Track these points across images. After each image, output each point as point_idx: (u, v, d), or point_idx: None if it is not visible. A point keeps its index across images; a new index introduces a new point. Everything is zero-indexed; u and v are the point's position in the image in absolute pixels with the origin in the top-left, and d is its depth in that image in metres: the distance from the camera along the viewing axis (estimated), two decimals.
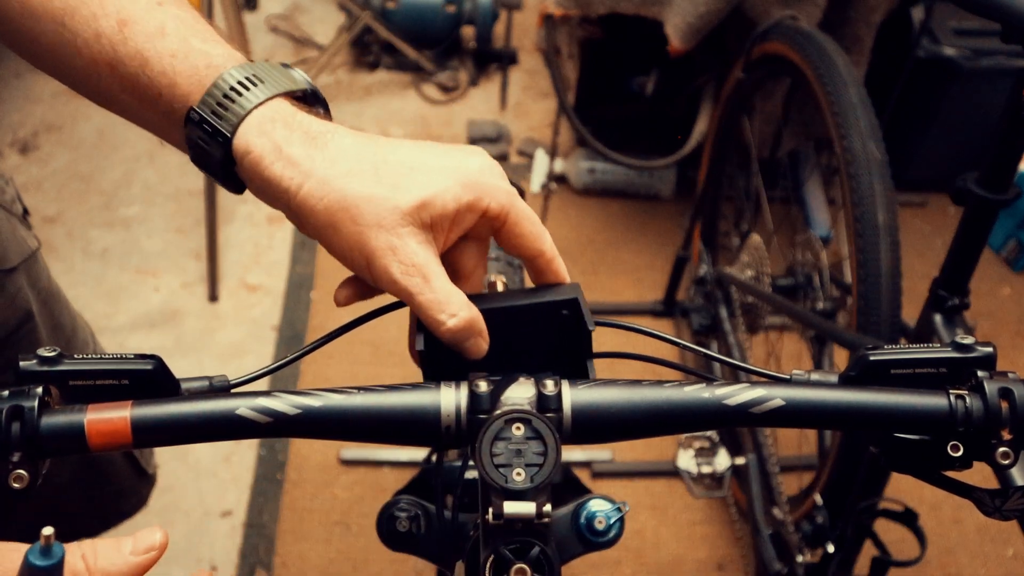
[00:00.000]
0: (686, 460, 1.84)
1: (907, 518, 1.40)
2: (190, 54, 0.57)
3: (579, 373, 0.59)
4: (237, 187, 0.60)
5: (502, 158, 2.68)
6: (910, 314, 1.40)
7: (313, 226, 0.57)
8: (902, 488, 1.65)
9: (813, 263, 1.73)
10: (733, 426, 0.65)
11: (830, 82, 1.49)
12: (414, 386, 0.55)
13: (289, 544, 1.82)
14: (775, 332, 2.02)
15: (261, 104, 0.57)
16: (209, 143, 0.56)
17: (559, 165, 2.53)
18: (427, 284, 0.56)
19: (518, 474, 0.51)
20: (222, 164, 0.57)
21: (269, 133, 0.56)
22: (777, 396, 0.54)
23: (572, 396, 0.54)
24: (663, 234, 2.44)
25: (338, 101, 2.83)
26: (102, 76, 0.58)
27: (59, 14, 0.57)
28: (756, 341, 2.01)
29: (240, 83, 0.57)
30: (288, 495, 1.90)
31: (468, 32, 2.94)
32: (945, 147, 2.42)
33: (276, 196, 0.57)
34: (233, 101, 0.56)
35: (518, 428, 0.52)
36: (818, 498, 1.51)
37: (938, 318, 1.29)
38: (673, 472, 1.88)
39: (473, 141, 2.70)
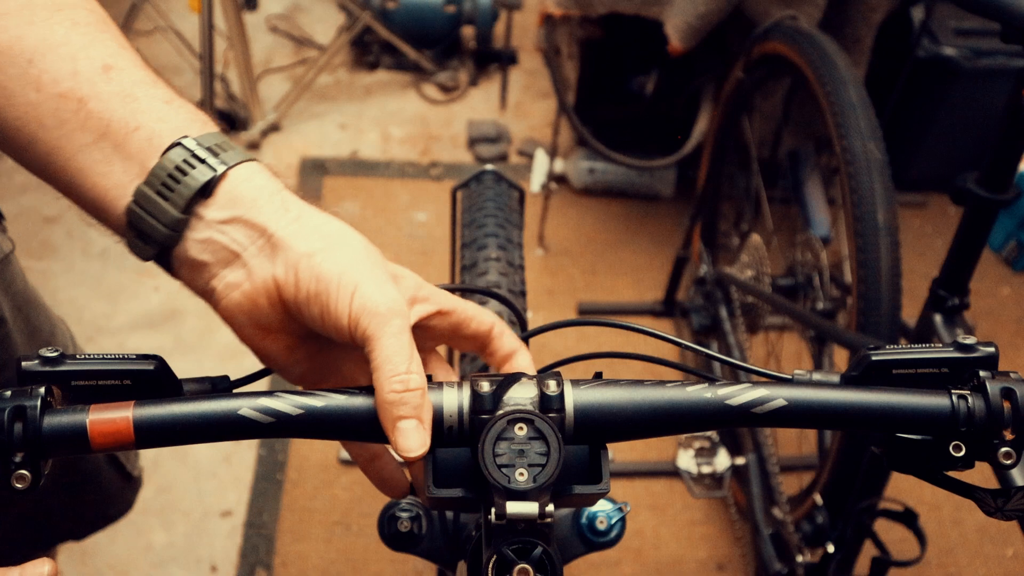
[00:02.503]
0: (686, 460, 1.84)
1: (907, 518, 1.40)
2: (185, 104, 0.58)
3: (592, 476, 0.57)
4: (166, 238, 0.56)
5: (502, 158, 2.68)
6: (910, 314, 1.40)
7: (303, 241, 0.54)
8: (902, 488, 1.65)
9: (813, 263, 1.73)
10: (735, 426, 0.65)
11: (830, 82, 1.49)
12: None
13: (289, 544, 1.82)
14: (775, 332, 2.02)
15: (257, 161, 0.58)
16: (195, 167, 0.55)
17: (559, 165, 2.53)
18: (407, 331, 0.54)
19: (521, 474, 0.51)
20: (201, 191, 0.55)
21: (270, 174, 0.57)
22: (779, 396, 0.54)
23: (575, 396, 0.54)
24: (663, 234, 2.44)
25: (338, 101, 2.83)
26: (62, 110, 0.56)
27: (30, 52, 0.56)
28: (756, 341, 2.01)
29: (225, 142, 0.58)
30: (288, 495, 1.89)
31: (468, 32, 2.94)
32: (945, 147, 2.42)
33: (267, 211, 0.55)
34: (229, 147, 0.56)
35: (520, 428, 0.52)
36: (818, 498, 1.51)
37: (938, 318, 1.30)
38: (673, 472, 1.89)
39: (473, 141, 2.70)
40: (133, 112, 0.56)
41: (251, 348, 0.59)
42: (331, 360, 0.61)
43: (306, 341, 0.59)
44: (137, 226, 0.55)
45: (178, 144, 0.55)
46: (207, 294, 0.57)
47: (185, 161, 0.55)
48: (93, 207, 0.58)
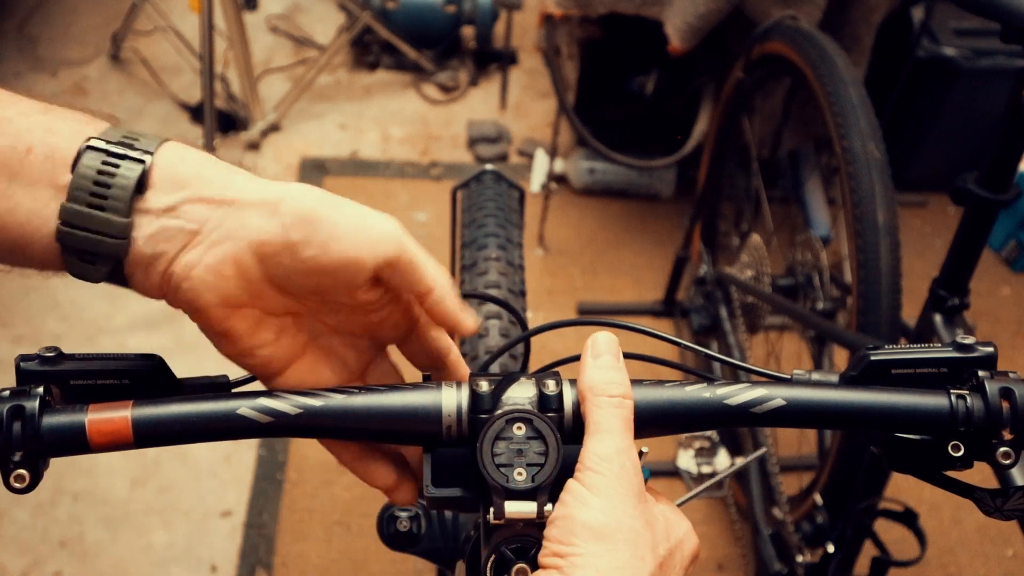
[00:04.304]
0: (686, 460, 1.84)
1: (907, 518, 1.40)
2: (62, 109, 0.52)
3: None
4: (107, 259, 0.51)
5: (502, 158, 2.68)
6: (910, 314, 1.40)
7: (272, 191, 0.51)
8: (902, 488, 1.66)
9: (813, 263, 1.73)
10: (735, 426, 0.65)
11: (830, 82, 1.49)
12: (415, 386, 0.55)
13: (289, 544, 1.82)
14: (775, 332, 2.02)
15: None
16: (119, 165, 0.50)
17: (559, 165, 2.53)
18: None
19: (519, 474, 0.51)
20: (136, 187, 0.51)
21: (195, 148, 0.53)
22: (778, 396, 0.54)
23: (573, 396, 0.54)
24: (663, 234, 2.44)
25: (338, 101, 2.83)
26: None
27: None
28: (756, 341, 2.01)
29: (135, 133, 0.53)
30: (288, 495, 1.89)
31: (468, 32, 2.94)
32: (945, 147, 2.42)
33: (216, 181, 0.51)
34: (136, 135, 0.52)
35: (519, 428, 0.52)
36: (818, 498, 1.51)
37: (938, 318, 1.30)
38: (673, 472, 1.89)
39: (473, 141, 2.70)
40: (15, 134, 0.50)
41: (213, 334, 0.55)
42: (297, 340, 0.58)
43: (271, 318, 0.56)
44: (79, 247, 0.50)
45: (87, 148, 0.50)
46: (164, 284, 0.52)
47: (104, 163, 0.50)
48: (6, 248, 0.51)
